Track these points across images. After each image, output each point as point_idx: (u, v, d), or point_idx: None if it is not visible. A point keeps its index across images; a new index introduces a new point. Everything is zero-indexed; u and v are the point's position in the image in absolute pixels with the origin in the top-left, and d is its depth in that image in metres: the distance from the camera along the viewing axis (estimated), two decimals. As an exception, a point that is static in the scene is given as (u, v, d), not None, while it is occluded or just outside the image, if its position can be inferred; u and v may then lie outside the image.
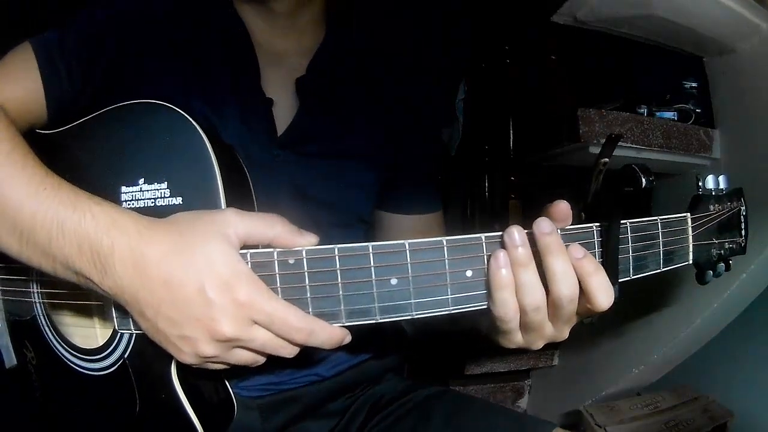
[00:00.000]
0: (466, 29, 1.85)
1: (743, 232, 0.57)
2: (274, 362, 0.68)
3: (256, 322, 0.44)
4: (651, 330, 1.30)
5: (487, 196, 1.84)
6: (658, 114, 1.30)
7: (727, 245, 0.56)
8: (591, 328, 1.53)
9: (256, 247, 0.46)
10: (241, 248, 0.45)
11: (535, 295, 0.45)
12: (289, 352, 0.46)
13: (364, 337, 0.76)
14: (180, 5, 0.69)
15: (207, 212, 0.47)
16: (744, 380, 1.19)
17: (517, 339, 0.50)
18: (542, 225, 0.44)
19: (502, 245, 0.45)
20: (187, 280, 0.42)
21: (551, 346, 1.64)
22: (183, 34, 0.68)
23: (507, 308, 0.45)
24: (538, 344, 0.50)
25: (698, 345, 1.26)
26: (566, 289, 0.45)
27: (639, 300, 1.38)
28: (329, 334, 0.46)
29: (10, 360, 0.63)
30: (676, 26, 1.12)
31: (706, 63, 1.25)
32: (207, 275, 0.42)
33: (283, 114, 0.69)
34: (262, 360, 0.47)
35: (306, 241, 0.46)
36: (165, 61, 0.66)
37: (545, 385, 1.65)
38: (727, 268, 0.56)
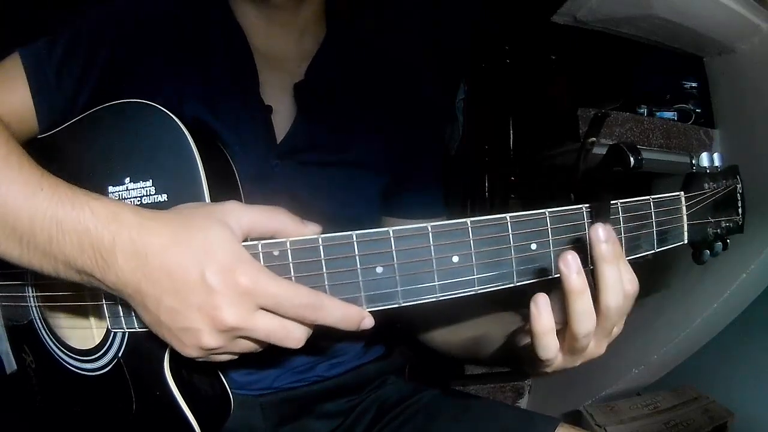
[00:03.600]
0: (466, 30, 1.84)
1: (740, 210, 0.55)
2: (275, 363, 0.69)
3: (262, 307, 0.43)
4: (651, 330, 1.30)
5: (487, 196, 1.84)
6: (658, 114, 1.30)
7: (723, 224, 0.54)
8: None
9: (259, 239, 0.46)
10: (244, 241, 0.45)
11: (590, 322, 0.44)
12: (297, 338, 0.45)
13: (366, 340, 0.77)
14: (175, 11, 0.68)
15: (210, 203, 0.47)
16: (744, 380, 1.19)
17: (557, 365, 0.49)
18: (600, 232, 0.43)
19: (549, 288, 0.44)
20: (188, 268, 0.41)
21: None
22: (179, 40, 0.67)
23: (550, 351, 0.46)
24: (578, 363, 0.49)
25: (698, 345, 1.26)
26: (614, 299, 0.44)
27: (639, 300, 1.38)
28: (343, 310, 0.44)
29: (10, 365, 0.62)
30: (676, 26, 1.12)
31: (706, 63, 1.25)
32: (207, 262, 0.41)
33: (283, 121, 0.68)
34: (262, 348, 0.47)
35: (310, 231, 0.46)
36: (161, 69, 0.65)
37: (545, 385, 1.65)
38: (725, 247, 0.54)
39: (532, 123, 1.59)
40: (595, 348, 0.48)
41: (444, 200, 0.82)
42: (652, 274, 1.35)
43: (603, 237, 0.42)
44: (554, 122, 1.34)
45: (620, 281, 0.44)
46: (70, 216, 0.44)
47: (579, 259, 0.42)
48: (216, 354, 0.45)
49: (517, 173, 1.70)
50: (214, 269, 0.41)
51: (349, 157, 0.71)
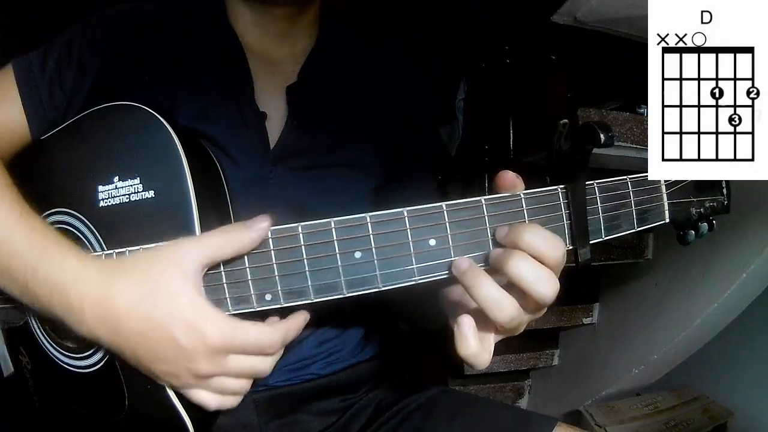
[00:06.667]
0: (466, 30, 1.85)
1: (725, 190, 0.54)
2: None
3: (233, 353, 0.47)
4: (651, 330, 1.30)
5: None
6: (658, 114, 1.30)
7: (707, 204, 0.53)
8: (591, 328, 1.54)
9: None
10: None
11: (507, 309, 0.44)
12: (265, 370, 0.49)
13: (362, 339, 0.77)
14: (168, 19, 0.68)
15: (165, 249, 0.47)
16: (744, 380, 1.19)
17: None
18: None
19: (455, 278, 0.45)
20: (158, 331, 0.45)
21: (551, 346, 1.64)
22: (174, 41, 0.66)
23: (483, 360, 0.46)
24: (519, 331, 0.48)
25: (698, 345, 1.26)
26: (546, 289, 0.43)
27: (639, 300, 1.38)
28: (296, 325, 0.50)
29: (8, 368, 0.62)
30: (676, 26, 1.12)
31: (706, 63, 1.24)
32: (175, 324, 0.44)
33: (276, 126, 0.67)
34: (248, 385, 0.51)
35: (257, 233, 0.46)
36: (153, 77, 0.64)
37: (545, 385, 1.65)
38: (710, 228, 0.54)
39: (532, 123, 1.58)
40: (534, 317, 0.47)
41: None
42: (652, 274, 1.35)
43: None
44: (554, 122, 1.34)
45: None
46: (42, 267, 0.46)
47: (469, 260, 0.45)
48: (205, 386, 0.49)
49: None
50: (182, 330, 0.44)
51: (344, 159, 0.70)
